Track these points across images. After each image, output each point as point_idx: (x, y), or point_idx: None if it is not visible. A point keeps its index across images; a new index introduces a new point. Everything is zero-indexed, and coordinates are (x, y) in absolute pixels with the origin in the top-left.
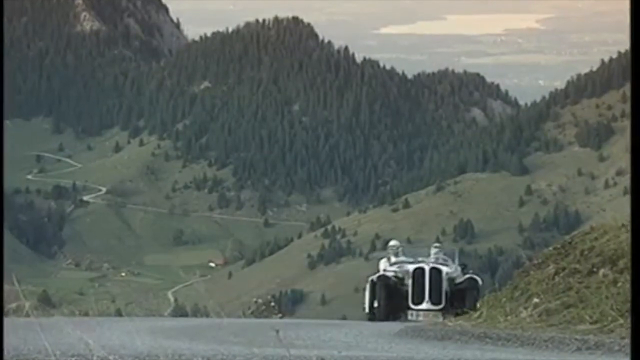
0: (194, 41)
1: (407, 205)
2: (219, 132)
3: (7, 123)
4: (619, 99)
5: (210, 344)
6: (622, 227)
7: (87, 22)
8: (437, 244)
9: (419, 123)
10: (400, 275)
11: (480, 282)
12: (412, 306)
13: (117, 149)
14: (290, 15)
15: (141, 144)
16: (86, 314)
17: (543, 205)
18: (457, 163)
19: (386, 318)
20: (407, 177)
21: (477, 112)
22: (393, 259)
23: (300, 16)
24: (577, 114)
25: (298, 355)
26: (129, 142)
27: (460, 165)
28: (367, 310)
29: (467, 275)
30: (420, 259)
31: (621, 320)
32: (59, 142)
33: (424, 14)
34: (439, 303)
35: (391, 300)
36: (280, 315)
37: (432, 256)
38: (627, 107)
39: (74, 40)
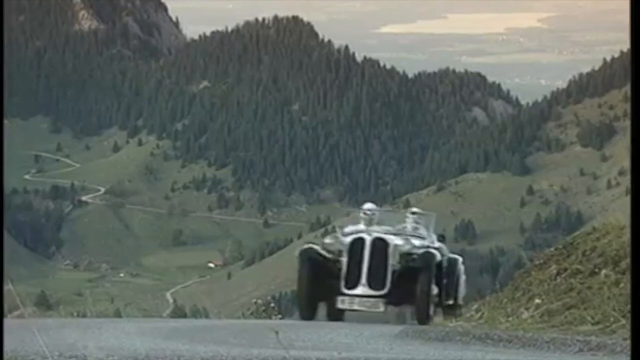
0: (193, 40)
1: (407, 205)
2: (218, 131)
3: (4, 123)
4: (621, 99)
5: (210, 345)
6: (624, 227)
7: (86, 21)
8: (414, 209)
9: (420, 123)
10: (336, 249)
11: (438, 257)
12: (345, 290)
13: (116, 148)
14: (289, 14)
15: (140, 143)
16: (84, 315)
17: (545, 206)
18: (458, 163)
19: (309, 305)
20: (407, 177)
21: (478, 112)
22: (349, 229)
23: (300, 15)
24: (579, 114)
25: (298, 356)
26: (127, 142)
27: (461, 165)
28: None
29: (423, 250)
30: (384, 227)
31: (623, 321)
32: (57, 142)
33: (424, 13)
34: (381, 287)
35: (317, 283)
36: (280, 316)
37: (408, 225)
38: (629, 107)
39: (72, 39)
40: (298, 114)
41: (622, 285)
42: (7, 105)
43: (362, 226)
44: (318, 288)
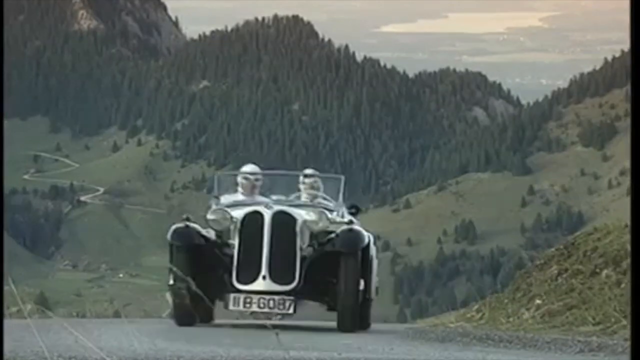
0: (192, 40)
1: (408, 205)
2: (217, 131)
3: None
4: (622, 98)
5: (209, 346)
6: (625, 227)
7: (85, 21)
8: (309, 170)
9: (420, 122)
10: (224, 227)
11: (365, 239)
12: (238, 285)
13: (115, 148)
14: (289, 13)
15: (139, 143)
16: (83, 316)
17: (545, 206)
18: (458, 163)
19: (188, 307)
20: (408, 177)
21: (479, 112)
22: (226, 198)
23: (300, 15)
24: (580, 114)
25: (297, 357)
26: (127, 142)
27: (461, 165)
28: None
29: (345, 227)
30: (277, 197)
31: (624, 322)
32: (56, 142)
33: (425, 12)
34: (288, 280)
35: (200, 276)
36: (279, 316)
37: (303, 193)
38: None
39: (72, 38)
40: (298, 114)
41: (623, 285)
42: (6, 105)
43: (240, 195)
44: (201, 283)
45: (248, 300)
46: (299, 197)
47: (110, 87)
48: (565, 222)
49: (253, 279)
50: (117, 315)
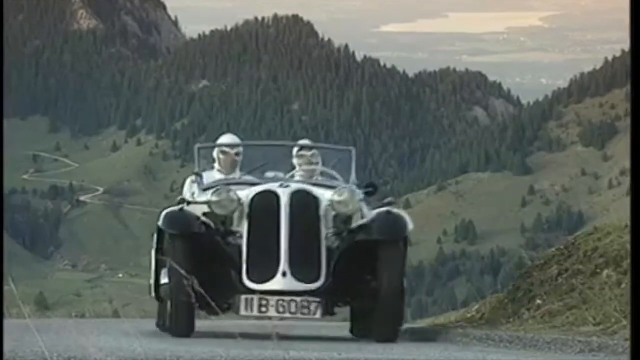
0: (192, 39)
1: (408, 205)
2: (217, 131)
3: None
4: (622, 98)
5: (209, 346)
6: (625, 227)
7: (85, 20)
8: (305, 141)
9: (421, 122)
10: (229, 212)
11: (410, 225)
12: (250, 285)
13: (115, 148)
14: (290, 13)
15: (139, 143)
16: (83, 316)
17: (546, 206)
18: (458, 163)
19: (188, 312)
20: (408, 177)
21: (479, 112)
22: (209, 177)
23: (300, 14)
24: (580, 113)
25: (297, 357)
26: (126, 142)
27: (462, 165)
28: (152, 293)
29: (381, 210)
30: (270, 174)
31: (625, 322)
32: (55, 142)
33: (425, 12)
34: (314, 278)
35: (202, 273)
36: (279, 317)
37: (298, 169)
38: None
39: (71, 38)
40: (298, 114)
41: (623, 285)
42: (6, 105)
43: (217, 173)
44: (203, 282)
45: (264, 303)
46: (293, 176)
47: (110, 87)
48: (565, 222)
49: (270, 277)
50: (116, 315)
